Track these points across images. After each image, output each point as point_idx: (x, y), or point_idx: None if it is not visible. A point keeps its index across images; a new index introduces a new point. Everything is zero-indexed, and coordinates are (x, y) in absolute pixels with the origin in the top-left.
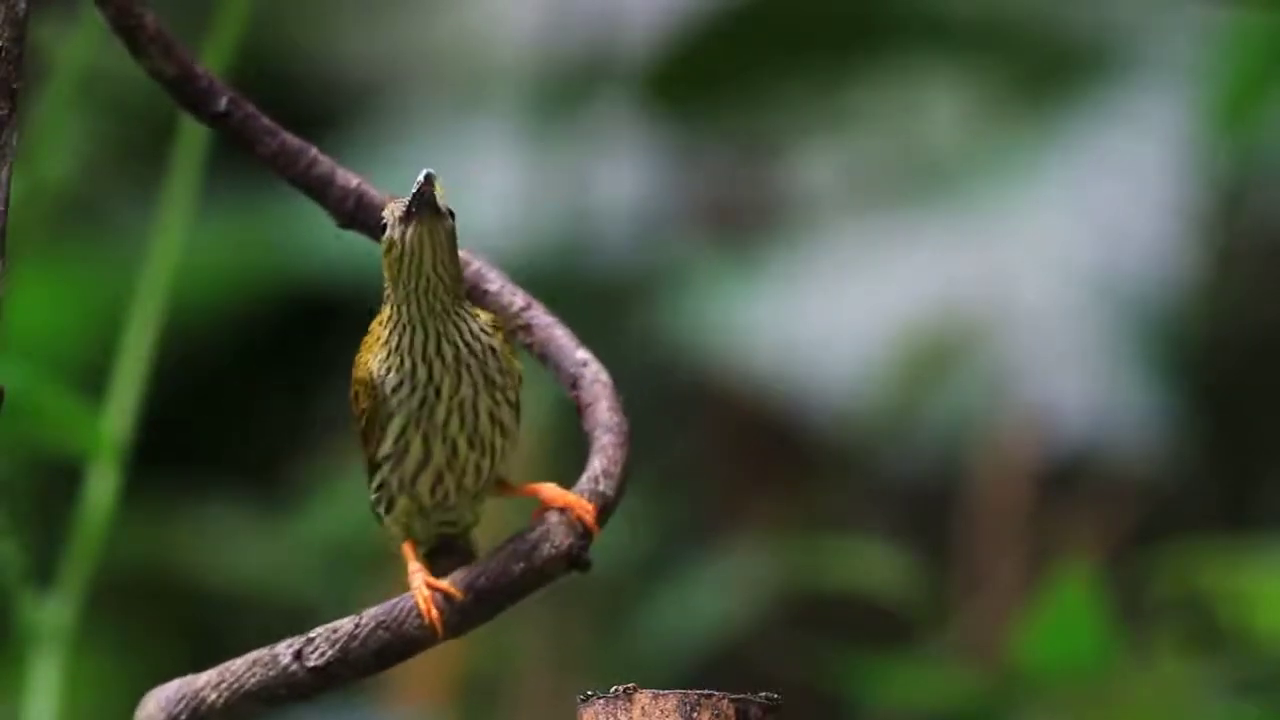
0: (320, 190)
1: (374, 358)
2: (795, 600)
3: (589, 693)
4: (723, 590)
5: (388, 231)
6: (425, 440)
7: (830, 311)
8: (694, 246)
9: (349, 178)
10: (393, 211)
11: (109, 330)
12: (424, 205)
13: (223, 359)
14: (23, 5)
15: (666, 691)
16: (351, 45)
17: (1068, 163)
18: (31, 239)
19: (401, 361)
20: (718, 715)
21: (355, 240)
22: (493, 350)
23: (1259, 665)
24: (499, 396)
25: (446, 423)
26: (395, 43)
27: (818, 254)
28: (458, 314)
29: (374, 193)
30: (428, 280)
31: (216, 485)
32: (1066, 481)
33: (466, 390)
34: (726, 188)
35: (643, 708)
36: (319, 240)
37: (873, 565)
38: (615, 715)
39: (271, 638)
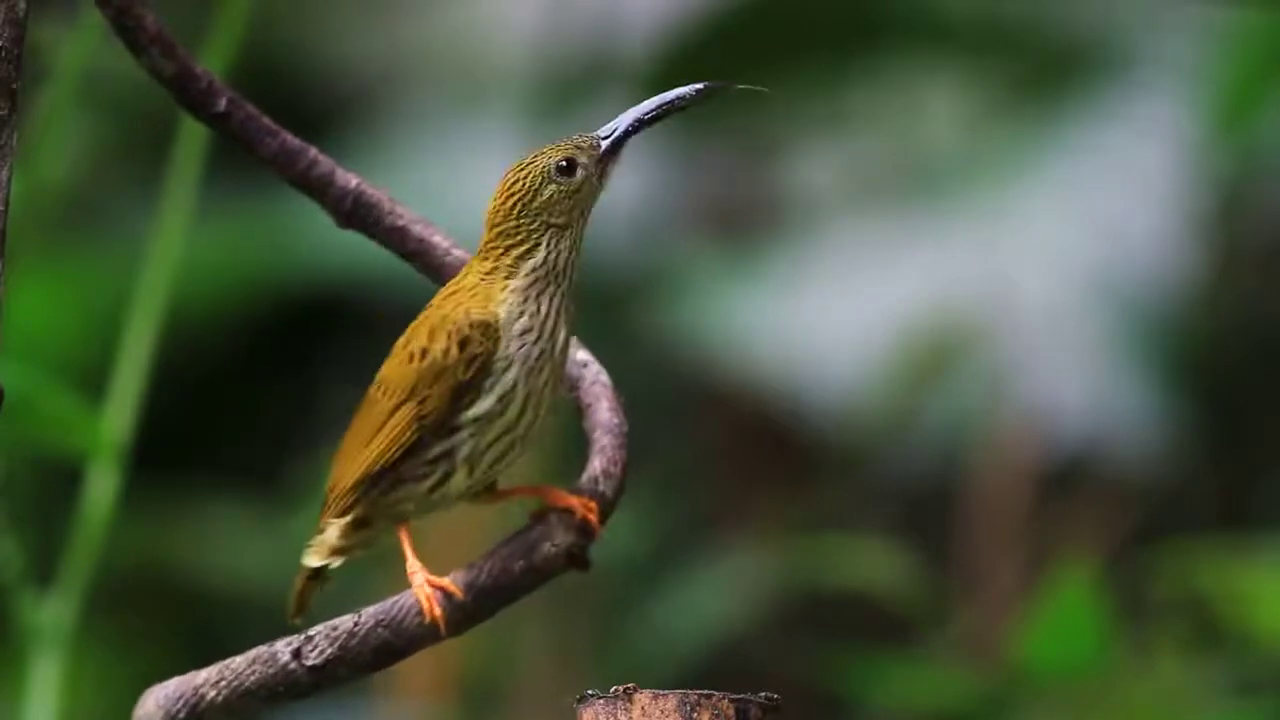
0: (320, 191)
1: (502, 302)
2: (795, 600)
3: (589, 693)
4: (723, 590)
5: (581, 163)
6: (524, 402)
7: (830, 311)
8: (694, 247)
9: (348, 178)
10: (592, 145)
11: (109, 330)
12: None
13: (222, 359)
14: (23, 5)
15: (666, 691)
16: (351, 45)
17: (1068, 163)
18: (31, 239)
19: (537, 308)
20: (718, 715)
21: (355, 241)
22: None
23: (1259, 665)
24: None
25: (543, 388)
26: (395, 42)
27: (818, 254)
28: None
29: (372, 192)
30: (586, 223)
31: (216, 485)
32: (1066, 481)
33: (560, 356)
34: (726, 188)
35: (643, 708)
36: (319, 240)
37: (873, 565)
38: (615, 715)
39: (271, 638)
